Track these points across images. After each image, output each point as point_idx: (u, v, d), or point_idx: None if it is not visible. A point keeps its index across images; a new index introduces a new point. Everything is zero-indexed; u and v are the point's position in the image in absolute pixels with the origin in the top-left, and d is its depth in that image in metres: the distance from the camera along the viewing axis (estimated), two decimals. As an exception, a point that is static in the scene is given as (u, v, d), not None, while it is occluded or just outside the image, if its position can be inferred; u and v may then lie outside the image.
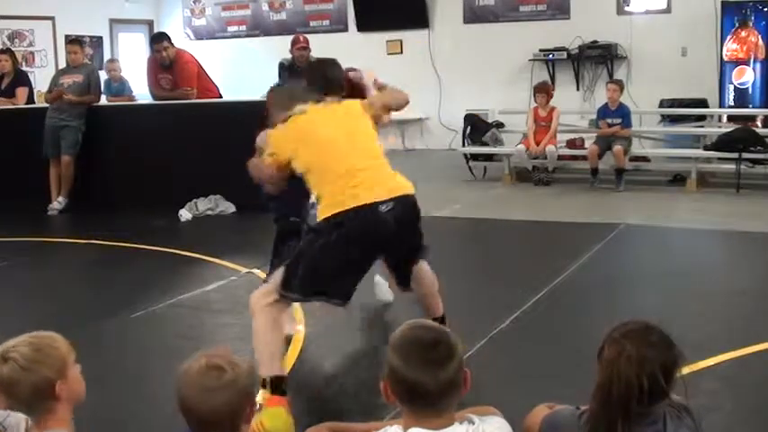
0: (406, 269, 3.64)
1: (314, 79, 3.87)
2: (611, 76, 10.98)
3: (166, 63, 8.31)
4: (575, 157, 9.53)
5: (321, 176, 3.41)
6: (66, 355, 2.15)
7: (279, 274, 3.38)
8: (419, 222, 3.56)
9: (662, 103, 10.69)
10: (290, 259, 3.40)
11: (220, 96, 8.81)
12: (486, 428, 2.00)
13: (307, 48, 8.81)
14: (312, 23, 13.22)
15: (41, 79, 10.43)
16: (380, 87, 4.12)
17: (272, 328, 3.31)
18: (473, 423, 1.99)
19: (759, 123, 9.68)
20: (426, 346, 1.95)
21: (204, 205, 7.84)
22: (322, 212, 3.35)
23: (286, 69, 8.80)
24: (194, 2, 14.37)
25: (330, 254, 3.29)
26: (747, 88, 10.17)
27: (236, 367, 2.01)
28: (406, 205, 3.44)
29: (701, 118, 10.39)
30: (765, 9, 9.99)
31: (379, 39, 12.67)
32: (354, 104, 3.72)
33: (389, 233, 3.39)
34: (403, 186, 3.49)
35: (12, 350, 2.09)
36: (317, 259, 3.30)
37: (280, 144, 3.52)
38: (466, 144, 10.27)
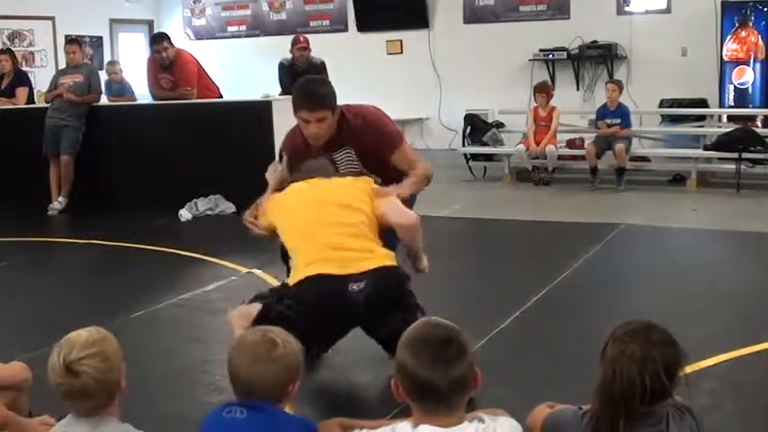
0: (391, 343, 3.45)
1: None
2: (611, 76, 10.98)
3: (166, 63, 8.30)
4: (574, 157, 9.53)
5: (296, 256, 3.39)
6: (119, 349, 2.21)
7: (256, 307, 3.27)
8: (402, 294, 3.31)
9: (662, 103, 10.69)
10: (267, 300, 3.30)
11: (220, 96, 8.81)
12: (497, 428, 2.00)
13: (307, 48, 8.83)
14: (312, 23, 13.22)
15: (41, 79, 10.43)
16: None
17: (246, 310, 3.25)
18: (483, 422, 1.99)
19: (759, 123, 9.68)
20: (438, 344, 1.95)
21: (204, 205, 7.83)
22: (290, 279, 3.32)
23: (286, 69, 8.81)
24: (194, 2, 14.37)
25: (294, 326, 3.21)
26: (747, 88, 10.17)
27: (287, 344, 2.16)
28: (380, 280, 3.21)
29: (701, 118, 10.39)
30: (765, 9, 9.99)
31: (379, 39, 12.67)
32: (347, 185, 3.59)
33: (357, 316, 3.22)
34: (380, 257, 3.30)
35: (80, 363, 2.08)
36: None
37: (269, 212, 3.59)
38: (466, 144, 10.26)
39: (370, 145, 3.79)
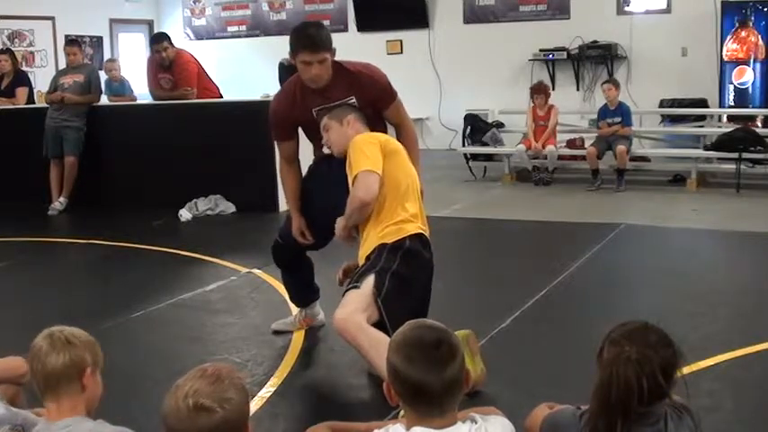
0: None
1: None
2: (611, 75, 10.96)
3: (166, 63, 8.30)
4: (574, 157, 9.53)
5: (392, 207, 3.49)
6: (101, 354, 2.27)
7: (368, 285, 3.32)
8: None
9: (662, 103, 10.69)
10: (375, 269, 3.35)
11: (220, 96, 8.81)
12: (488, 428, 1.99)
13: (307, 48, 8.81)
14: (312, 23, 13.20)
15: (41, 79, 10.44)
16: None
17: (381, 335, 3.17)
18: (476, 422, 1.99)
19: (759, 123, 9.68)
20: (429, 346, 1.94)
21: (204, 205, 7.83)
22: (397, 233, 3.41)
23: (286, 69, 8.80)
24: (194, 2, 14.37)
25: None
26: (747, 88, 10.16)
27: (225, 403, 1.82)
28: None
29: (701, 118, 10.39)
30: (765, 9, 9.98)
31: (379, 39, 12.66)
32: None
33: (429, 286, 3.59)
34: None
35: (57, 331, 2.21)
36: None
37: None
38: (466, 144, 10.26)
39: (372, 94, 3.87)
